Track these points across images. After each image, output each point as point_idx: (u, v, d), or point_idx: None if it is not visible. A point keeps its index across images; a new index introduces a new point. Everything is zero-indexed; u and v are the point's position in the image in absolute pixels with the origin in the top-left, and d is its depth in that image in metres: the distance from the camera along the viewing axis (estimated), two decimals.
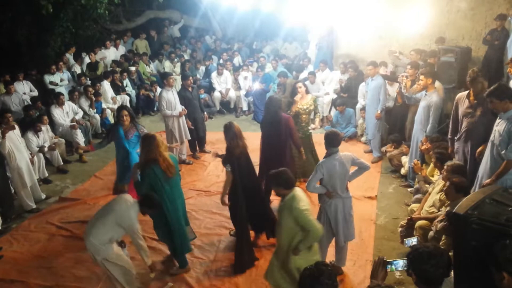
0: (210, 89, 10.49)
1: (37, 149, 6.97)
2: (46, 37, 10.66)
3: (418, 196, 5.29)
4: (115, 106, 8.88)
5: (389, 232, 5.26)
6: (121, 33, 12.84)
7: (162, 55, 11.88)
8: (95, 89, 8.98)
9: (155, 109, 10.40)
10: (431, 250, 2.38)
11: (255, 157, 6.10)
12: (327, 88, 9.35)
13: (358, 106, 8.27)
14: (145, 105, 10.41)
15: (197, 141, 7.83)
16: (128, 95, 10.07)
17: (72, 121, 8.17)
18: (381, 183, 6.52)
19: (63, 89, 9.22)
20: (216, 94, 10.33)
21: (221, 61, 11.23)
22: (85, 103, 8.76)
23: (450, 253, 3.09)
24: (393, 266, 2.62)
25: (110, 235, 3.91)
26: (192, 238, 4.95)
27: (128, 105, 9.87)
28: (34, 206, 6.21)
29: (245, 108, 10.36)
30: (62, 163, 7.51)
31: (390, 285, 2.68)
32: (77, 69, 10.25)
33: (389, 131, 7.63)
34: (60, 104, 8.12)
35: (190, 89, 7.48)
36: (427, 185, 5.24)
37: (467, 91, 5.00)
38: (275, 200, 5.92)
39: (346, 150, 4.51)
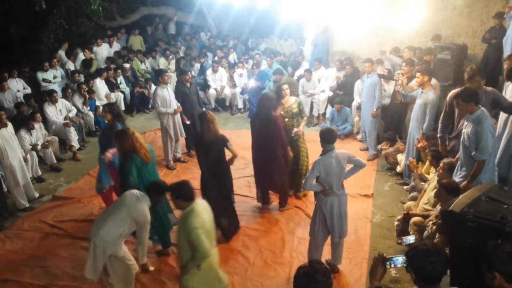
0: (205, 86, 10.43)
1: (30, 147, 6.90)
2: (39, 34, 10.56)
3: (414, 193, 5.30)
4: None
5: (385, 230, 5.26)
6: (115, 30, 12.75)
7: (156, 52, 11.81)
8: (88, 87, 8.90)
9: (150, 106, 10.34)
10: (430, 248, 2.37)
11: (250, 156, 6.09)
12: (322, 85, 9.33)
13: (354, 103, 8.26)
14: (140, 102, 10.34)
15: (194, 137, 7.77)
16: (122, 92, 10.01)
17: (65, 118, 8.09)
18: (377, 181, 6.52)
19: (56, 87, 9.15)
20: (211, 92, 10.28)
21: (216, 58, 11.18)
22: (78, 101, 8.69)
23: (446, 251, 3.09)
24: (392, 263, 2.61)
25: (121, 230, 3.88)
26: (175, 223, 4.85)
27: (122, 102, 9.85)
28: (28, 205, 6.15)
29: (240, 105, 10.33)
30: (55, 161, 7.45)
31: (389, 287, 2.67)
32: (71, 66, 10.17)
33: (385, 129, 7.63)
34: (53, 101, 8.04)
35: (188, 84, 7.43)
36: (423, 183, 5.24)
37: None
38: (275, 201, 5.94)
39: (342, 148, 4.50)
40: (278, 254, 4.89)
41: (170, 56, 11.49)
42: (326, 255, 4.53)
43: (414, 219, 4.63)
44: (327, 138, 4.14)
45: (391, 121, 7.56)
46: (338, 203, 4.22)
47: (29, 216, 5.96)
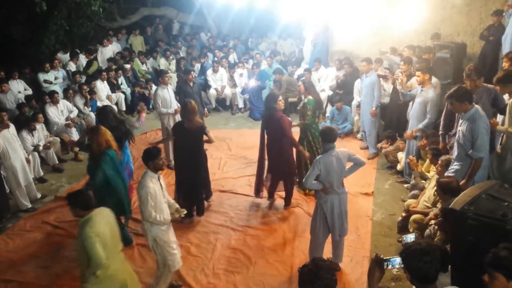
0: (205, 86, 10.44)
1: (32, 148, 6.92)
2: (40, 35, 10.57)
3: (415, 192, 5.32)
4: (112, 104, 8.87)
5: (385, 228, 5.27)
6: (116, 31, 12.77)
7: (157, 53, 11.83)
8: (89, 87, 8.92)
9: (151, 107, 10.35)
10: (424, 247, 2.36)
11: (253, 155, 6.13)
12: (322, 85, 9.35)
13: (354, 102, 8.27)
14: None
15: None
16: (123, 93, 10.03)
17: (67, 119, 8.12)
18: (377, 179, 6.54)
19: (57, 87, 9.16)
20: (212, 92, 10.30)
21: (215, 58, 11.20)
22: (79, 101, 8.70)
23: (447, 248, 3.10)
24: (390, 264, 2.59)
25: (148, 212, 3.86)
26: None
27: (123, 103, 9.88)
28: (30, 206, 6.17)
29: (241, 105, 10.34)
30: (57, 162, 7.47)
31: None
32: (72, 67, 10.18)
33: (384, 127, 7.65)
34: (55, 102, 8.06)
35: (191, 84, 7.44)
36: (423, 181, 5.26)
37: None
38: (277, 199, 5.97)
39: (342, 146, 4.52)
40: (280, 253, 4.91)
41: (171, 57, 11.51)
42: (327, 253, 4.54)
43: (414, 216, 4.70)
44: (328, 137, 4.16)
45: (391, 120, 7.57)
46: (339, 201, 4.24)
47: (31, 216, 5.98)
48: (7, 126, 6.00)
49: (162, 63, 11.44)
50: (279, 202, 5.95)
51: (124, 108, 9.85)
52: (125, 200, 4.83)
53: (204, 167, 5.74)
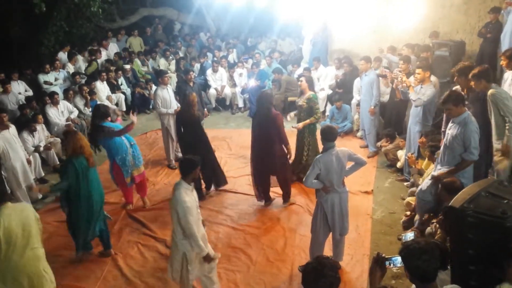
0: (205, 86, 10.46)
1: (33, 148, 6.94)
2: (40, 36, 10.58)
3: (414, 189, 5.33)
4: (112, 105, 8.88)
5: (385, 226, 5.29)
6: (115, 31, 12.78)
7: (156, 53, 11.84)
8: (90, 88, 8.94)
9: (151, 107, 10.37)
10: (422, 246, 2.36)
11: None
12: (322, 84, 9.36)
13: (354, 101, 8.29)
14: (141, 103, 10.38)
15: None
16: (123, 93, 10.04)
17: (67, 120, 8.14)
18: (377, 177, 6.55)
19: (57, 88, 9.17)
20: (212, 91, 10.32)
21: (214, 58, 11.20)
22: (80, 102, 8.72)
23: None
24: (392, 263, 2.60)
25: (192, 230, 3.66)
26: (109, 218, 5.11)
27: (123, 103, 9.89)
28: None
29: (240, 105, 10.36)
30: (58, 163, 7.48)
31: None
32: (70, 69, 10.19)
33: (384, 125, 7.66)
34: (55, 103, 8.08)
35: (191, 83, 7.46)
36: (421, 179, 5.26)
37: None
38: (277, 198, 5.98)
39: (342, 145, 4.53)
40: (280, 252, 4.93)
41: (170, 57, 11.52)
42: (327, 252, 4.55)
43: (408, 198, 4.92)
44: (328, 136, 4.17)
45: (390, 118, 7.59)
46: (339, 200, 4.25)
47: None
48: (7, 127, 6.02)
49: (162, 63, 11.45)
50: (279, 200, 5.97)
51: (124, 109, 9.86)
52: (94, 206, 4.69)
53: (210, 148, 6.26)
